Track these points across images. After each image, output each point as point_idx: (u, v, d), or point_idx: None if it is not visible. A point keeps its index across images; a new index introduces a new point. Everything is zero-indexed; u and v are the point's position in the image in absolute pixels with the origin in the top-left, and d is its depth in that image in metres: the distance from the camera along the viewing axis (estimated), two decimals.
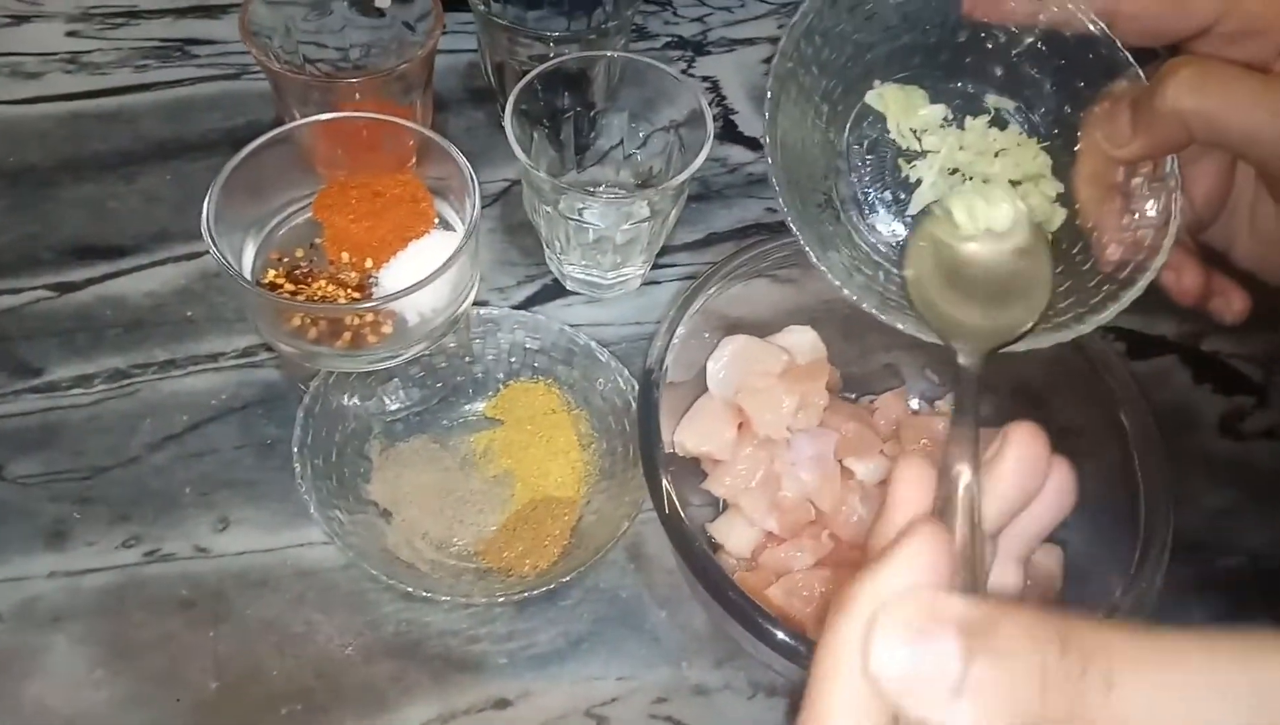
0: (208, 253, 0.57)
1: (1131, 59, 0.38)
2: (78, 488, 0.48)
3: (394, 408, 0.51)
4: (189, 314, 0.55)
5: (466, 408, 0.52)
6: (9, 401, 0.51)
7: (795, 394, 0.47)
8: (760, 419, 0.47)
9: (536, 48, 0.59)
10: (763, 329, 0.52)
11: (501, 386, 0.53)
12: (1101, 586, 0.44)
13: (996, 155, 0.41)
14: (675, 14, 0.74)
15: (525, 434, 0.51)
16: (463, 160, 0.48)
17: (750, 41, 0.73)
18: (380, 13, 0.61)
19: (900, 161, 0.41)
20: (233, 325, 0.55)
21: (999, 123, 0.41)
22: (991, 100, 0.41)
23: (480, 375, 0.53)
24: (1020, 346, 0.35)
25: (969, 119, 0.41)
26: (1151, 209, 0.38)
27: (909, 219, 0.41)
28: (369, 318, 0.47)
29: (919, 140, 0.41)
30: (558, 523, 0.48)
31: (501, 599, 0.44)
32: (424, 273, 0.49)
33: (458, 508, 0.49)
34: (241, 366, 0.54)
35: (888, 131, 0.41)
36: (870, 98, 0.41)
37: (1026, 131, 0.41)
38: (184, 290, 0.56)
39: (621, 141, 0.61)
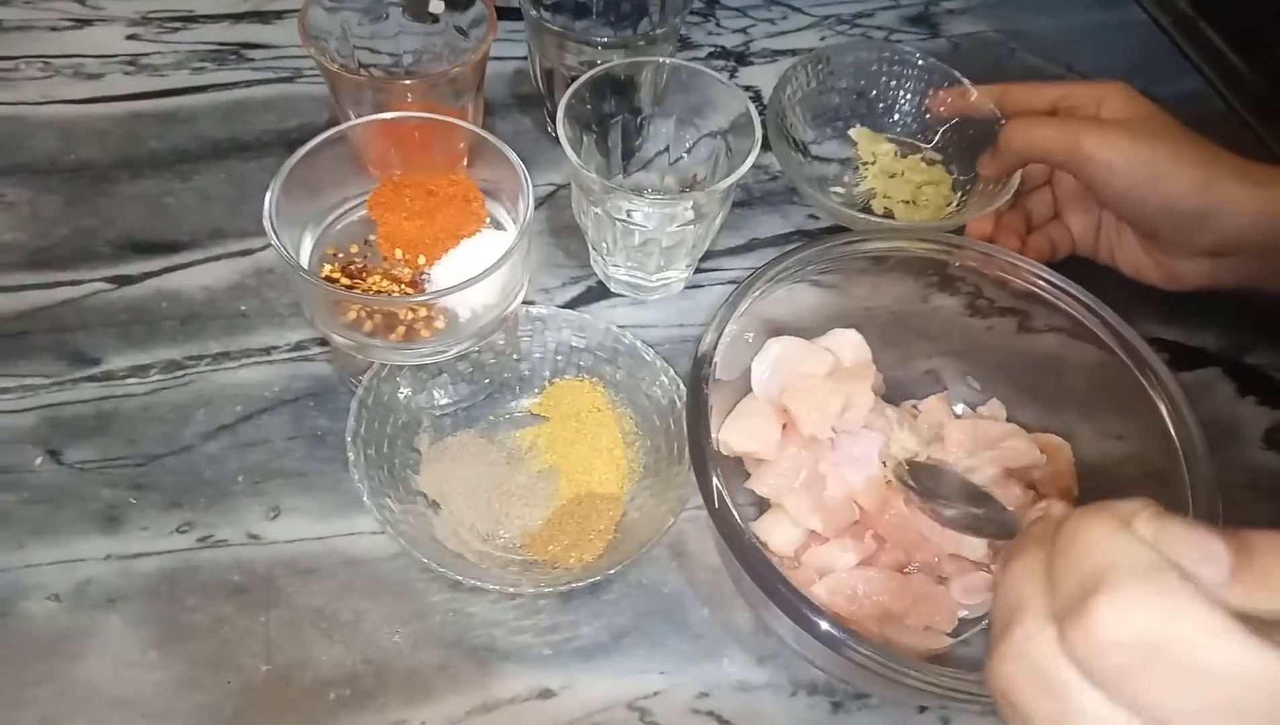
0: (261, 249, 0.60)
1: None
2: (133, 474, 0.50)
3: (443, 402, 0.52)
4: (242, 308, 0.56)
5: (513, 404, 0.53)
6: (67, 389, 0.52)
7: (841, 394, 0.47)
8: (805, 419, 0.47)
9: (586, 53, 0.60)
10: (804, 333, 0.52)
11: (547, 384, 0.54)
12: None
13: (921, 182, 0.66)
14: (718, 25, 0.75)
15: (570, 431, 0.52)
16: (516, 160, 0.49)
17: (792, 52, 0.74)
18: (434, 18, 0.62)
19: (859, 167, 0.68)
20: (285, 320, 0.56)
21: (927, 159, 0.68)
22: (926, 148, 0.68)
23: (527, 372, 0.53)
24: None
25: (910, 155, 0.68)
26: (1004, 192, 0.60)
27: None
28: (422, 312, 0.47)
29: (875, 158, 0.68)
30: (602, 518, 0.48)
31: (548, 590, 0.44)
32: (475, 270, 0.50)
33: (504, 501, 0.49)
34: (293, 360, 0.55)
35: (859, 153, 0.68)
36: (851, 132, 0.69)
37: (942, 165, 0.67)
38: (238, 285, 0.57)
39: (667, 147, 0.62)
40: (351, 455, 0.46)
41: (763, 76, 0.72)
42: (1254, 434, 0.58)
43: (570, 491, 0.50)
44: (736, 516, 0.42)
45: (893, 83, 0.68)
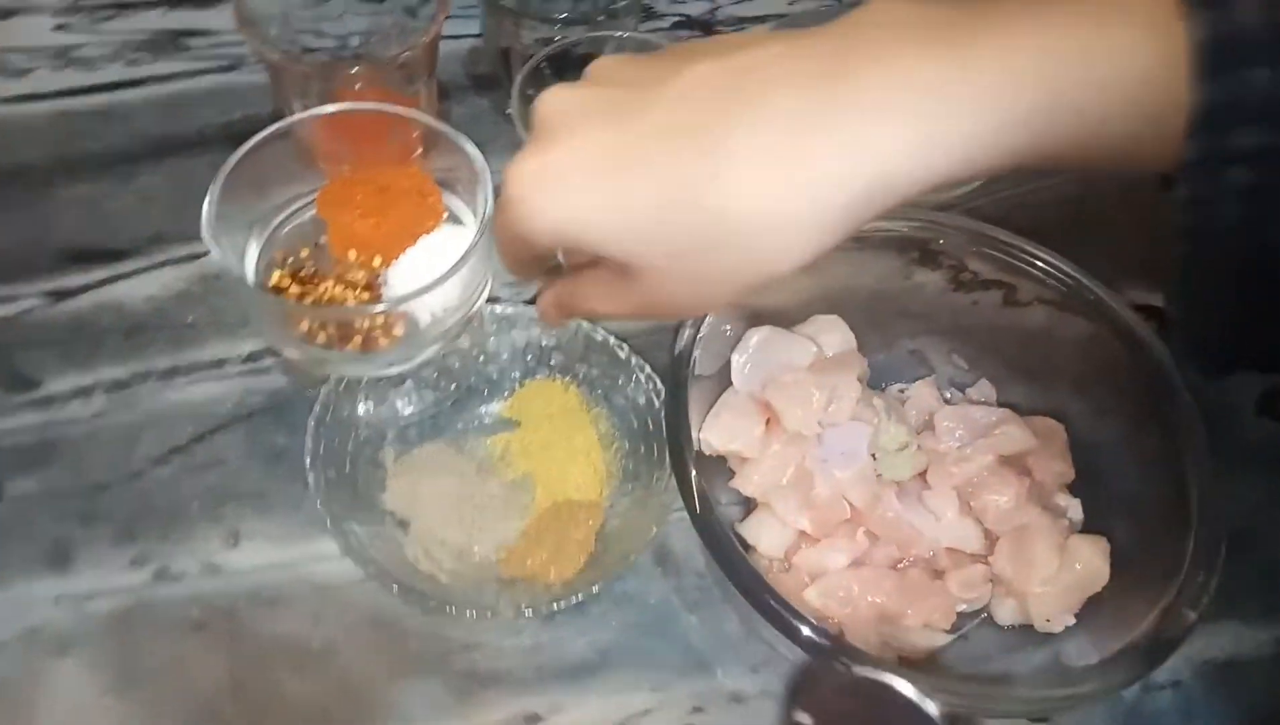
0: (206, 255, 0.56)
1: None
2: (80, 506, 0.47)
3: (408, 412, 0.49)
4: (190, 319, 0.53)
5: (482, 409, 0.50)
6: (6, 417, 0.49)
7: (825, 388, 0.45)
8: (789, 415, 0.45)
9: (543, 30, 0.57)
10: (785, 318, 0.50)
11: (518, 386, 0.51)
12: (1151, 580, 0.42)
13: None
14: None
15: (544, 435, 0.49)
16: (474, 151, 0.46)
17: (760, 19, 0.71)
18: (380, 0, 0.58)
19: None
20: (236, 330, 0.53)
21: None
22: None
23: (495, 375, 0.51)
24: None
25: None
26: None
27: None
28: (380, 320, 0.44)
29: None
30: (581, 528, 0.46)
31: (528, 613, 0.42)
32: (435, 270, 0.47)
33: (477, 514, 0.47)
34: (247, 373, 0.52)
35: None
36: None
37: None
38: (184, 294, 0.54)
39: None
40: (312, 478, 0.44)
41: None
42: (1246, 402, 0.56)
43: (546, 500, 0.47)
44: (722, 525, 0.39)
45: None
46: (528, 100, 0.52)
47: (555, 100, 0.32)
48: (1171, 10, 0.26)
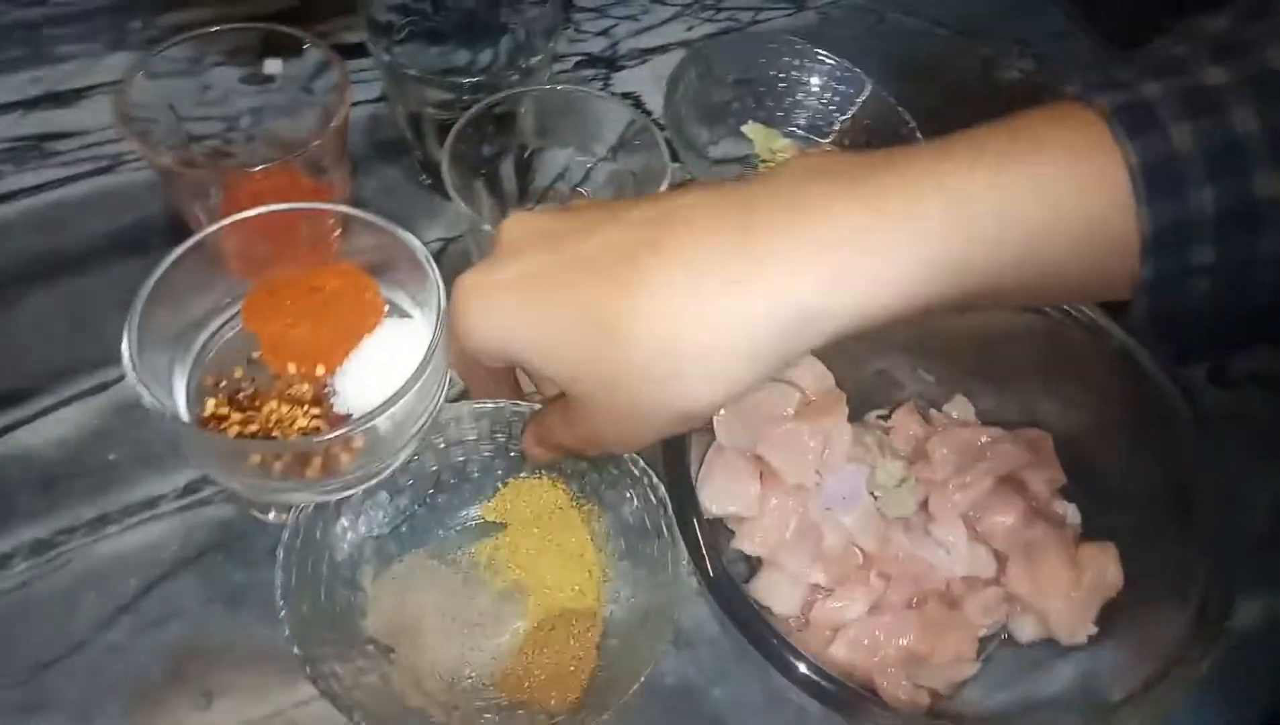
0: (118, 381, 0.51)
1: None
2: (21, 695, 0.41)
3: (384, 523, 0.46)
4: (111, 457, 0.48)
5: (464, 513, 0.47)
6: None
7: (818, 435, 0.44)
8: (788, 470, 0.43)
9: (448, 94, 0.54)
10: None
11: (501, 485, 0.47)
12: (1165, 573, 0.42)
13: None
14: (579, 30, 0.70)
15: (532, 538, 0.45)
16: (411, 240, 0.43)
17: (662, 49, 0.69)
18: (270, 78, 0.54)
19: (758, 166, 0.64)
20: (165, 461, 0.48)
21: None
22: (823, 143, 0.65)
23: (476, 473, 0.47)
24: None
25: (809, 150, 0.64)
26: None
27: None
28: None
29: (773, 155, 0.64)
30: (580, 641, 0.43)
31: None
32: (387, 370, 0.44)
33: (467, 633, 0.43)
34: (187, 508, 0.47)
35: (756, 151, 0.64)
36: (744, 129, 0.65)
37: None
38: (99, 431, 0.49)
39: (563, 174, 0.56)
40: (285, 616, 0.39)
41: (638, 81, 0.67)
42: (1197, 372, 0.58)
43: (540, 612, 0.44)
44: (738, 588, 0.38)
45: (781, 75, 0.64)
46: (461, 160, 0.50)
47: (514, 224, 0.35)
48: (1098, 142, 0.26)
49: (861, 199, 0.28)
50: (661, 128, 0.54)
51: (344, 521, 0.44)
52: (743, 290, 0.28)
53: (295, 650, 0.39)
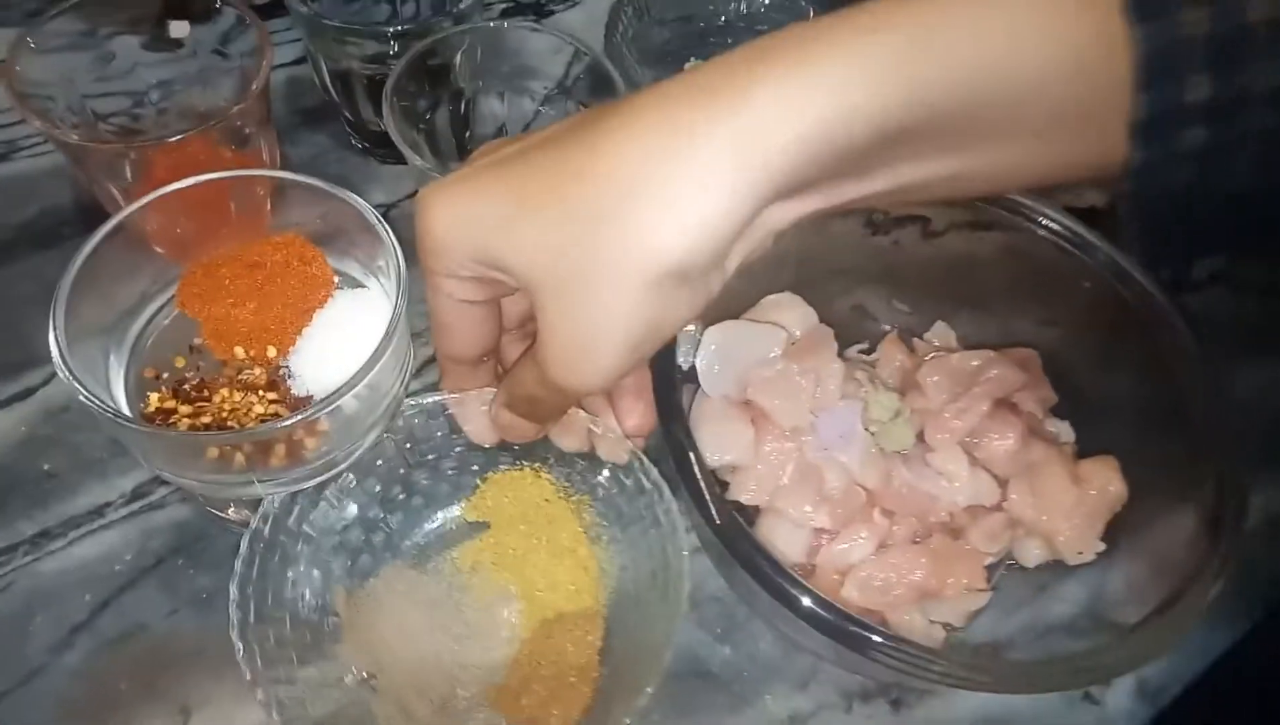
0: (45, 383, 0.47)
1: None
2: None
3: (354, 533, 0.41)
4: (46, 467, 0.44)
5: (442, 515, 0.42)
6: None
7: (809, 374, 0.42)
8: (782, 412, 0.41)
9: (374, 46, 0.50)
10: (729, 305, 0.46)
11: (479, 480, 0.42)
12: (1169, 484, 0.41)
13: None
14: None
15: (519, 536, 0.41)
16: (362, 204, 0.39)
17: None
18: (178, 43, 0.49)
19: None
20: (108, 464, 0.44)
21: None
22: None
23: (451, 471, 0.42)
24: None
25: None
26: None
27: None
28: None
29: None
30: (581, 649, 0.39)
31: None
32: (343, 345, 0.41)
33: (455, 649, 0.39)
34: (138, 513, 0.43)
35: None
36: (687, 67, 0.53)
37: None
38: (30, 439, 0.45)
39: (504, 125, 0.53)
40: (242, 654, 0.34)
41: (569, 25, 0.64)
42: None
43: (535, 617, 0.40)
44: (748, 532, 0.36)
45: (721, 10, 0.62)
46: (400, 115, 0.46)
47: (478, 152, 0.33)
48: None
49: (820, 35, 0.26)
50: None
51: (306, 538, 0.39)
52: (709, 125, 0.26)
53: (258, 696, 0.34)
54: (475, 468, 0.42)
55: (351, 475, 0.40)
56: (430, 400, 0.40)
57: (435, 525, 0.42)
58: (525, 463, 0.42)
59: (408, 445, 0.41)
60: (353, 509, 0.41)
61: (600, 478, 0.41)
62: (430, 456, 0.42)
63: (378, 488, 0.41)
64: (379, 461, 0.41)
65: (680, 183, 0.26)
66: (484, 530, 0.42)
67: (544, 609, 0.40)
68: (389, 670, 0.38)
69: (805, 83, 0.25)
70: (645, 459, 0.38)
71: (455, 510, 0.42)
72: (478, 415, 0.38)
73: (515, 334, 0.37)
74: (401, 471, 0.42)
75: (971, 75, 0.25)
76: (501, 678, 0.39)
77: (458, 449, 0.41)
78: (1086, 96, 0.25)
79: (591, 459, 0.40)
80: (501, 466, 0.42)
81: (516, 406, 0.35)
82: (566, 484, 0.42)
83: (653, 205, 0.26)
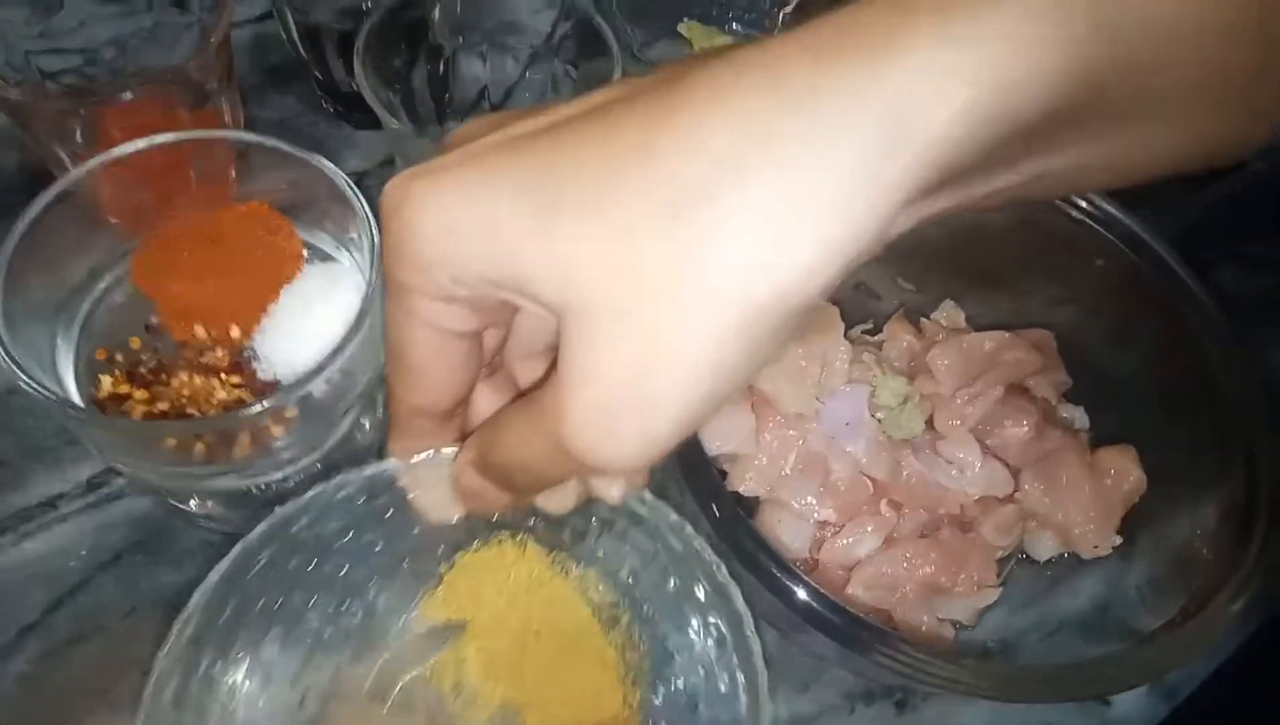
0: None
1: None
2: None
3: (289, 664, 0.33)
4: None
5: (401, 622, 0.33)
6: None
7: (814, 356, 0.39)
8: (786, 397, 0.39)
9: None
10: None
11: (445, 564, 0.34)
12: (1191, 475, 0.39)
13: None
14: None
15: (510, 633, 0.33)
16: (334, 170, 0.36)
17: None
18: None
19: None
20: (61, 452, 0.41)
21: None
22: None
23: (407, 562, 0.33)
24: None
25: None
26: None
27: None
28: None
29: None
30: None
31: None
32: (312, 324, 0.38)
33: None
34: (93, 505, 0.40)
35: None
36: (681, 28, 0.58)
37: None
38: None
39: (485, 88, 0.50)
40: None
41: None
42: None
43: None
44: (751, 529, 0.33)
45: None
46: (378, 71, 0.43)
47: (465, 127, 0.23)
48: None
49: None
50: None
51: (231, 675, 0.31)
52: (840, 95, 0.18)
53: None
54: (440, 550, 0.34)
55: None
56: (370, 472, 0.31)
57: (396, 632, 0.33)
58: (504, 534, 0.34)
59: (347, 535, 0.33)
60: (278, 631, 0.32)
61: (604, 537, 0.33)
62: (375, 544, 0.33)
63: (314, 599, 0.32)
64: (309, 566, 0.32)
65: (799, 172, 0.18)
66: (461, 631, 0.34)
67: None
68: None
69: (971, 40, 0.18)
70: (649, 496, 0.31)
71: (423, 610, 0.34)
72: (435, 482, 0.27)
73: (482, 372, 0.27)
74: (347, 567, 0.33)
75: (1142, 33, 0.19)
76: None
77: (412, 532, 0.33)
78: (1237, 62, 0.21)
79: (587, 512, 0.32)
80: (473, 546, 0.34)
81: (491, 472, 0.25)
82: (562, 553, 0.34)
83: (759, 206, 0.18)
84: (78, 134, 0.42)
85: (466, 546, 0.34)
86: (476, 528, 0.34)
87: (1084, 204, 0.43)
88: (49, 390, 0.31)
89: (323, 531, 0.32)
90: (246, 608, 0.31)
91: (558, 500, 0.27)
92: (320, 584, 0.33)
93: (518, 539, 0.34)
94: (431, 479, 0.26)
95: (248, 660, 0.32)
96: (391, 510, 0.32)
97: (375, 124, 0.53)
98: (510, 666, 0.33)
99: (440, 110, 0.49)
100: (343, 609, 0.34)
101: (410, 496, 0.28)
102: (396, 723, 0.32)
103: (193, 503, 0.41)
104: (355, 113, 0.52)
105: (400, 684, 0.33)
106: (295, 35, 0.49)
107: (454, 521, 0.27)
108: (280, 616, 0.32)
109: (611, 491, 0.26)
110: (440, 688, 0.33)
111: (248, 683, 0.31)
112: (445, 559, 0.34)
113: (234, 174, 0.41)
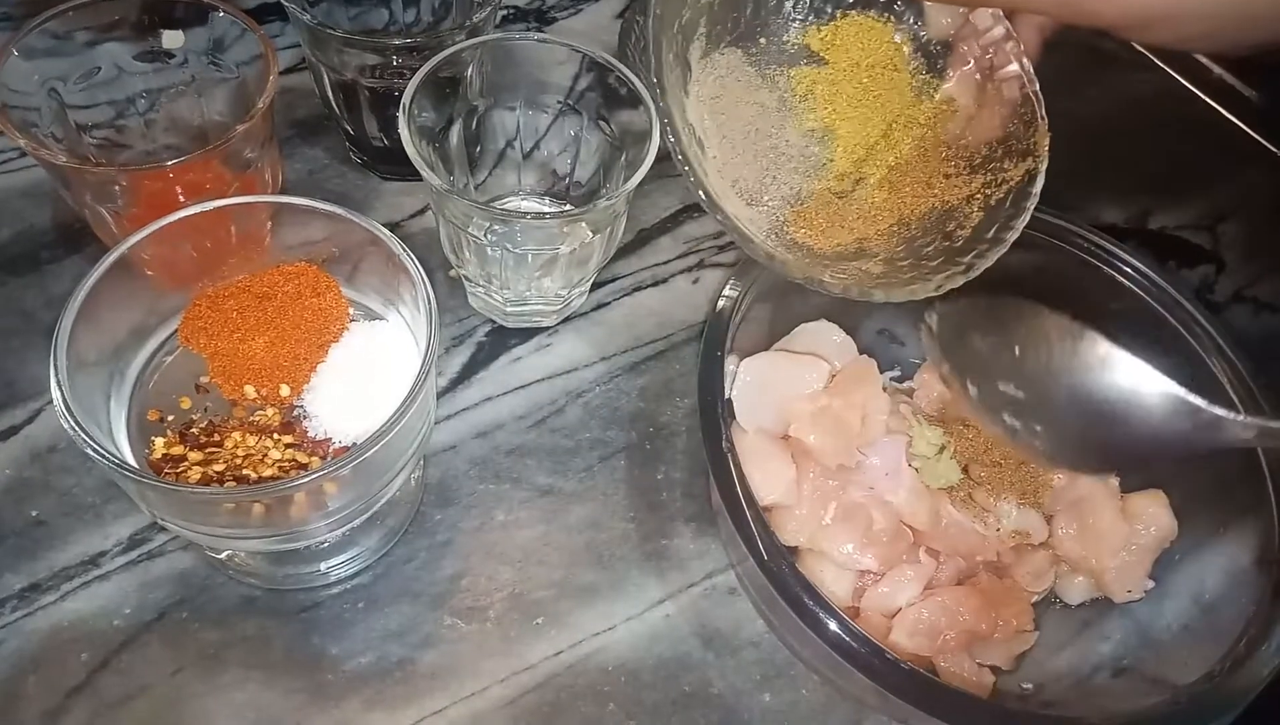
0: (29, 421, 0.43)
1: None
2: None
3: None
4: (35, 514, 0.41)
5: (786, 36, 0.42)
6: None
7: (855, 409, 0.40)
8: (827, 449, 0.39)
9: (373, 58, 0.47)
10: (757, 337, 0.44)
11: (832, 16, 0.42)
12: (1218, 516, 0.40)
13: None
14: None
15: (853, 86, 0.42)
16: (384, 232, 0.37)
17: None
18: (169, 55, 0.46)
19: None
20: (102, 509, 0.41)
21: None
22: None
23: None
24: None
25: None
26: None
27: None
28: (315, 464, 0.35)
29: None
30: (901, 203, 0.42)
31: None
32: (360, 382, 0.38)
33: (771, 158, 0.41)
34: (135, 562, 0.40)
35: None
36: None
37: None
38: (16, 483, 0.41)
39: (514, 140, 0.51)
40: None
41: (572, 33, 0.62)
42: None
43: (847, 164, 0.41)
44: (796, 569, 0.34)
45: None
46: (419, 129, 0.43)
47: None
48: None
49: None
50: None
51: None
52: None
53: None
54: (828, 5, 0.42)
55: None
56: None
57: (780, 36, 0.42)
58: (886, 17, 0.42)
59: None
60: None
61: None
62: None
63: None
64: None
65: None
66: (820, 65, 0.42)
67: (858, 164, 0.41)
68: (718, 143, 0.40)
69: None
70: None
71: (801, 32, 0.42)
72: None
73: None
74: None
75: None
76: (805, 202, 0.40)
77: None
78: None
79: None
80: (854, 9, 0.42)
81: None
82: (915, 57, 0.42)
83: None
84: (118, 193, 0.43)
85: (847, 10, 0.42)
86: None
87: (1099, 249, 0.45)
88: (113, 457, 0.31)
89: None
90: None
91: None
92: None
93: (890, 24, 0.42)
94: None
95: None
96: None
97: (402, 176, 0.54)
98: (843, 104, 0.41)
99: (472, 161, 0.50)
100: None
101: None
102: (756, 83, 0.41)
103: (226, 555, 0.41)
104: (383, 165, 0.53)
105: (770, 66, 0.42)
106: (329, 91, 0.50)
107: None
108: None
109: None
110: (794, 88, 0.42)
111: None
112: (834, 11, 0.42)
113: (270, 228, 0.41)
